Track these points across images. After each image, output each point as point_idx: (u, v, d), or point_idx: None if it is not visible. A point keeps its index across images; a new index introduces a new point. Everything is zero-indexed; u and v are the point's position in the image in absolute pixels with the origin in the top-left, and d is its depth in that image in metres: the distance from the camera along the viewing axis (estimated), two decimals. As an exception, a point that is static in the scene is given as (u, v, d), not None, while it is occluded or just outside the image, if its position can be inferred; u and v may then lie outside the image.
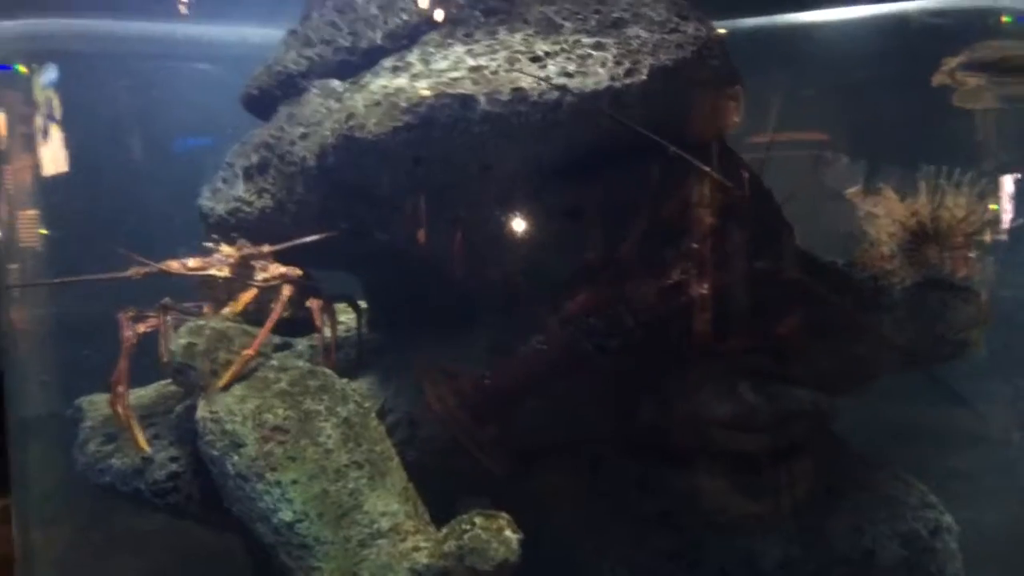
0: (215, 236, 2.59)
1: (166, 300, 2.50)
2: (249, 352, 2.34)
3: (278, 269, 2.57)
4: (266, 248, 2.56)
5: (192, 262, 2.50)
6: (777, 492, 2.43)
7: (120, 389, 2.45)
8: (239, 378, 2.34)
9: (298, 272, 2.60)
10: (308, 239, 2.55)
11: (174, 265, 2.49)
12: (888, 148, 2.70)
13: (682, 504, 2.43)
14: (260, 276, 2.55)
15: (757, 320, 2.20)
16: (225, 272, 2.50)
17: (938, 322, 2.33)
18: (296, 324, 2.60)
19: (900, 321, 2.40)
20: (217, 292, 2.55)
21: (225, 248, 2.55)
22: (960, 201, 2.29)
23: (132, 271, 2.47)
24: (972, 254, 2.32)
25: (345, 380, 2.46)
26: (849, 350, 2.41)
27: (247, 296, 2.50)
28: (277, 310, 2.48)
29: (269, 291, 2.55)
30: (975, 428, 2.90)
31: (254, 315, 2.51)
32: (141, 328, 2.44)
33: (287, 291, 2.53)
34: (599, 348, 2.15)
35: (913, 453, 2.81)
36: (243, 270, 2.54)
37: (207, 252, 2.55)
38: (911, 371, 2.51)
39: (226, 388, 2.30)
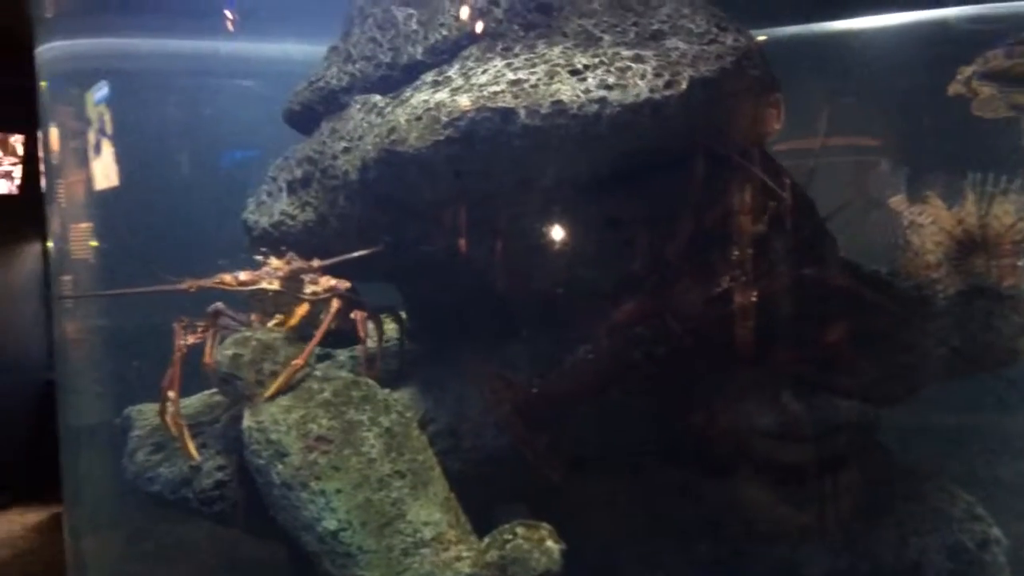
0: (264, 249, 2.61)
1: (218, 305, 2.54)
2: (298, 362, 2.37)
3: (327, 282, 2.59)
4: (316, 263, 2.57)
5: (244, 275, 2.53)
6: (821, 503, 2.42)
7: (171, 396, 2.50)
8: (284, 389, 2.39)
9: (346, 284, 2.62)
10: (356, 254, 2.57)
11: (228, 279, 2.52)
12: (931, 155, 2.67)
13: (725, 513, 2.42)
14: (309, 289, 2.57)
15: (802, 329, 2.19)
16: (275, 285, 2.52)
17: (985, 331, 2.29)
18: (339, 335, 2.63)
19: (945, 330, 2.37)
20: (266, 305, 2.57)
21: (274, 261, 2.57)
22: (1008, 208, 2.26)
23: (187, 284, 2.51)
24: (1021, 262, 2.28)
25: (387, 391, 2.49)
26: (894, 360, 2.39)
27: (301, 310, 2.52)
28: (326, 322, 2.50)
29: (316, 303, 2.57)
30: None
31: (301, 327, 2.54)
32: (191, 339, 2.48)
33: (336, 304, 2.54)
34: (647, 356, 2.14)
35: (960, 464, 2.77)
36: (292, 283, 2.55)
37: (256, 265, 2.57)
38: (957, 380, 2.47)
39: (273, 398, 2.34)
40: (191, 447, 2.52)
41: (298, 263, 2.56)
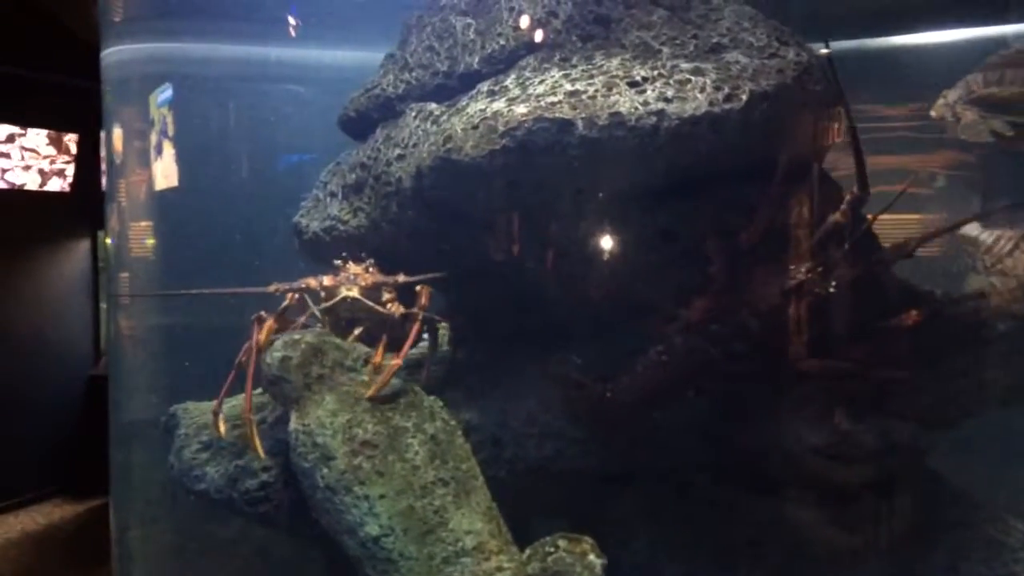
0: (344, 254, 2.60)
1: (289, 293, 2.53)
2: (396, 362, 2.38)
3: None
4: (401, 278, 2.55)
5: (328, 280, 2.52)
6: (870, 526, 2.37)
7: (247, 393, 2.50)
8: (330, 391, 2.40)
9: (428, 293, 2.60)
10: (434, 276, 2.57)
11: (312, 283, 2.52)
12: (998, 179, 2.62)
13: (771, 533, 2.38)
14: (387, 296, 2.55)
15: (856, 347, 2.15)
16: (355, 292, 2.50)
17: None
18: (393, 339, 2.63)
19: (1003, 356, 2.31)
20: (339, 310, 2.55)
21: (353, 266, 2.57)
22: None
23: (273, 287, 2.53)
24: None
25: (433, 397, 2.49)
26: (948, 383, 2.34)
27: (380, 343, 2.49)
28: (412, 335, 2.49)
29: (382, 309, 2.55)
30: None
31: (372, 330, 2.53)
32: (263, 336, 2.47)
33: (417, 323, 2.53)
34: (725, 354, 2.11)
35: (1014, 492, 2.70)
36: (372, 293, 2.53)
37: (336, 270, 2.56)
38: (1014, 408, 2.41)
39: (374, 398, 2.36)
40: (258, 443, 2.52)
41: (382, 278, 2.54)
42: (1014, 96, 2.48)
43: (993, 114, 2.50)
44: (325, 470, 2.24)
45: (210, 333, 2.59)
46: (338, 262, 2.57)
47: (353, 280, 2.51)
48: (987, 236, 2.37)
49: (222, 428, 2.59)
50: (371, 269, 2.56)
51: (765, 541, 2.38)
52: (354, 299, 2.49)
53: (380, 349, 2.47)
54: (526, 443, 2.53)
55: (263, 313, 2.51)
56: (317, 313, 2.55)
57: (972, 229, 2.37)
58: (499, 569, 2.14)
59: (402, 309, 2.56)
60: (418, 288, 2.57)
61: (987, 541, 2.39)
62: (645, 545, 2.49)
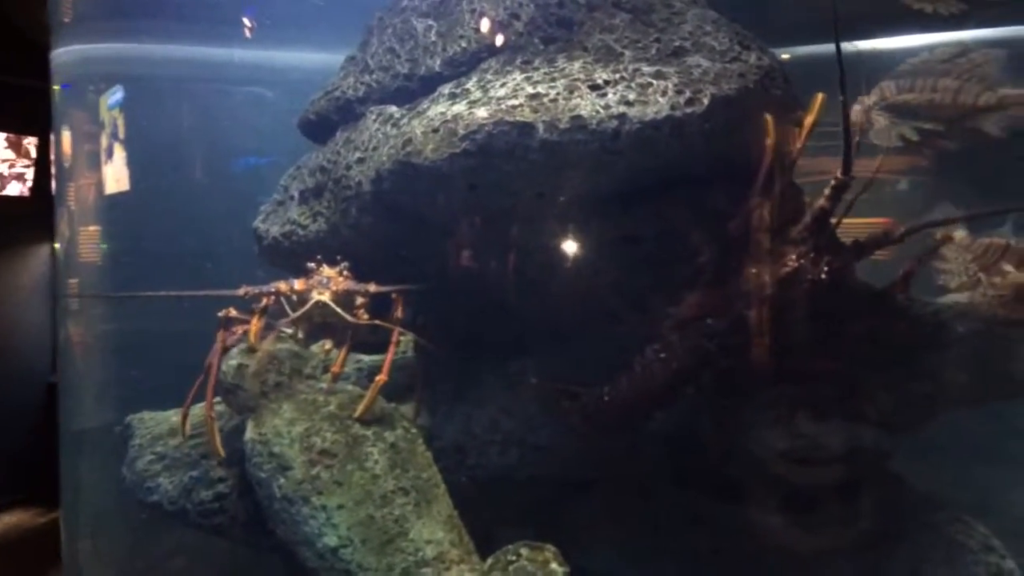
0: (319, 256, 2.54)
1: (229, 310, 2.48)
2: (382, 377, 2.33)
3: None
4: (373, 287, 2.50)
5: (299, 284, 2.46)
6: (834, 529, 2.37)
7: (209, 392, 2.46)
8: (287, 399, 2.35)
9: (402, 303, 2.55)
10: (408, 287, 2.53)
11: (283, 287, 2.46)
12: (962, 182, 2.63)
13: (733, 538, 2.38)
14: (360, 302, 2.49)
15: (817, 351, 2.15)
16: (326, 297, 2.43)
17: (1006, 360, 2.25)
18: (363, 344, 2.59)
19: (964, 358, 2.32)
20: (312, 315, 2.48)
21: (326, 269, 2.51)
22: None
23: (243, 290, 2.48)
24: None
25: (393, 405, 2.45)
26: (909, 386, 2.35)
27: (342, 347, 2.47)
28: (391, 351, 2.45)
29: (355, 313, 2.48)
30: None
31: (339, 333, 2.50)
32: (252, 338, 2.42)
33: (396, 335, 2.48)
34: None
35: (973, 493, 2.72)
36: (345, 298, 2.47)
37: (309, 274, 2.51)
38: (976, 409, 2.43)
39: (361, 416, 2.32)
40: (218, 442, 2.47)
41: (353, 283, 2.48)
42: (921, 103, 2.52)
43: (903, 120, 2.54)
44: (282, 480, 2.20)
45: (163, 340, 2.52)
46: (311, 264, 2.51)
47: (326, 284, 2.45)
48: (977, 245, 2.39)
49: (187, 431, 2.52)
50: (345, 273, 2.51)
51: (729, 546, 2.37)
52: (324, 304, 2.43)
53: (340, 359, 2.42)
54: (489, 450, 2.50)
55: (232, 311, 2.47)
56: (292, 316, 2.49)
57: (960, 236, 2.38)
58: (461, 579, 2.11)
59: (367, 317, 2.50)
60: (393, 297, 2.52)
61: (949, 543, 2.40)
62: (608, 552, 2.47)
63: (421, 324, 2.59)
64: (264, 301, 2.47)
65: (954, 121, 2.47)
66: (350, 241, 2.56)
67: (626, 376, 2.21)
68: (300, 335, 2.54)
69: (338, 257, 2.54)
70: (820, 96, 2.05)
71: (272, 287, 2.46)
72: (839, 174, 2.03)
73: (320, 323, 2.50)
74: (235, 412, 2.50)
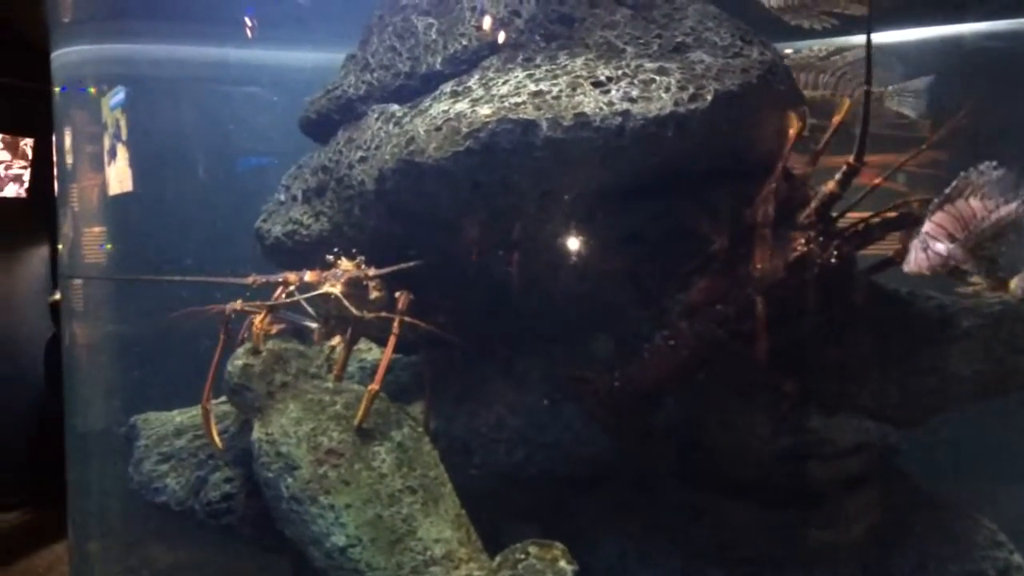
0: (336, 250, 2.49)
1: (236, 303, 2.45)
2: (374, 387, 2.29)
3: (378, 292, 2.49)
4: (372, 271, 2.45)
5: (309, 276, 2.43)
6: (839, 526, 2.37)
7: (208, 384, 2.44)
8: (293, 399, 2.35)
9: (408, 297, 2.49)
10: (409, 265, 2.48)
11: (292, 278, 2.43)
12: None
13: (738, 535, 2.38)
14: (375, 295, 2.46)
15: (821, 346, 2.15)
16: (337, 289, 2.37)
17: (1012, 354, 2.25)
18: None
19: (969, 352, 2.32)
20: (329, 308, 2.45)
21: (345, 263, 2.46)
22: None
23: (251, 279, 2.46)
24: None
25: (399, 404, 2.45)
26: (915, 381, 2.35)
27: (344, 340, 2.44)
28: (390, 347, 2.38)
29: (366, 307, 2.45)
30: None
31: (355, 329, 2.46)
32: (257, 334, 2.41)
33: (397, 325, 2.42)
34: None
35: (980, 488, 2.72)
36: (356, 290, 2.43)
37: (326, 266, 2.46)
38: (983, 403, 2.43)
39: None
40: (215, 433, 2.47)
41: (354, 272, 2.43)
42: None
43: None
44: (290, 480, 2.20)
45: (166, 340, 2.53)
46: (329, 258, 2.48)
47: (338, 276, 2.40)
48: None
49: (216, 437, 2.53)
50: (363, 267, 2.46)
51: (735, 543, 2.37)
52: (334, 296, 2.38)
53: (341, 358, 2.41)
54: (495, 449, 2.50)
55: (240, 304, 2.44)
56: (311, 311, 2.47)
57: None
58: (468, 577, 2.11)
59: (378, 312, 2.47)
60: (397, 294, 2.48)
61: (956, 539, 2.40)
62: (616, 550, 2.48)
63: (438, 319, 2.54)
64: (274, 295, 2.45)
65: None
66: (353, 240, 2.55)
67: (636, 362, 2.21)
68: (322, 330, 2.51)
69: (354, 250, 2.51)
70: (846, 101, 2.06)
71: (281, 276, 2.44)
72: (851, 160, 2.04)
73: (336, 316, 2.46)
74: (242, 412, 2.50)
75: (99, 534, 3.11)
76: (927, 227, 1.90)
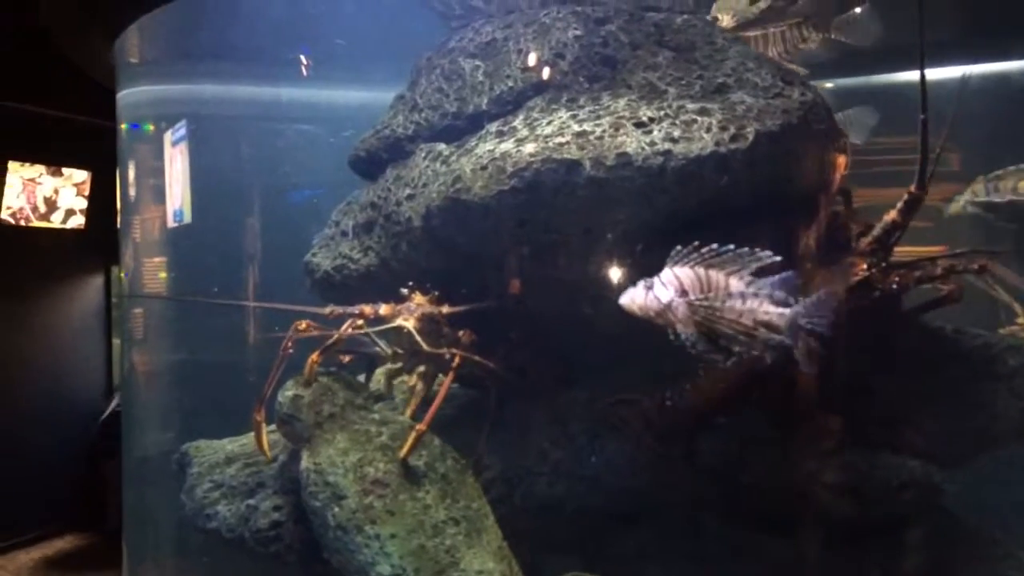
0: (411, 283, 2.53)
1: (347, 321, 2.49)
2: (421, 427, 2.32)
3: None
4: (446, 309, 2.49)
5: (384, 309, 2.47)
6: (883, 565, 2.34)
7: (264, 397, 2.51)
8: (341, 429, 2.40)
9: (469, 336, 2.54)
10: (483, 304, 2.53)
11: (367, 310, 2.47)
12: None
13: (782, 572, 2.36)
14: (446, 331, 2.48)
15: (867, 384, 2.14)
16: (411, 323, 2.42)
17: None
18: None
19: (1017, 390, 2.30)
20: (401, 341, 2.50)
21: (419, 297, 2.50)
22: None
23: (328, 309, 2.52)
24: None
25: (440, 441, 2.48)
26: (961, 420, 2.32)
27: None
28: (446, 383, 2.44)
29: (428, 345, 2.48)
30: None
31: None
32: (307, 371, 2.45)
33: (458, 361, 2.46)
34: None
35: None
36: (429, 326, 2.46)
37: (400, 299, 2.50)
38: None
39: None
40: (265, 444, 2.54)
41: (429, 308, 2.46)
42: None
43: None
44: (336, 509, 2.24)
45: (221, 370, 2.60)
46: (404, 291, 2.52)
47: (412, 311, 2.44)
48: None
49: (266, 447, 2.61)
50: (434, 301, 2.49)
51: (777, 579, 2.36)
52: (406, 331, 2.42)
53: (412, 402, 2.47)
54: (537, 481, 2.52)
55: (305, 324, 2.50)
56: (383, 347, 2.53)
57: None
58: (511, 608, 2.13)
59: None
60: (460, 333, 2.52)
61: (1001, 578, 2.36)
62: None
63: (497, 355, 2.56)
64: (344, 328, 2.48)
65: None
66: (400, 275, 2.61)
67: (691, 385, 2.22)
68: (399, 364, 2.56)
69: (428, 285, 2.53)
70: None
71: (357, 309, 2.48)
72: (913, 188, 2.04)
73: (409, 351, 2.50)
74: (291, 442, 2.56)
75: (152, 558, 3.17)
76: (665, 273, 1.81)
